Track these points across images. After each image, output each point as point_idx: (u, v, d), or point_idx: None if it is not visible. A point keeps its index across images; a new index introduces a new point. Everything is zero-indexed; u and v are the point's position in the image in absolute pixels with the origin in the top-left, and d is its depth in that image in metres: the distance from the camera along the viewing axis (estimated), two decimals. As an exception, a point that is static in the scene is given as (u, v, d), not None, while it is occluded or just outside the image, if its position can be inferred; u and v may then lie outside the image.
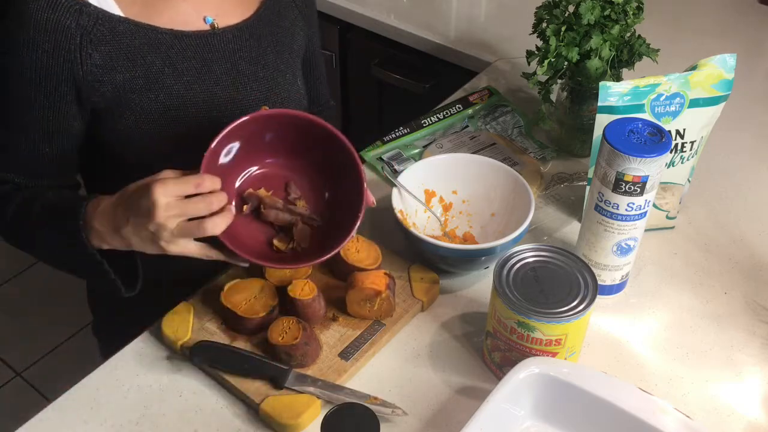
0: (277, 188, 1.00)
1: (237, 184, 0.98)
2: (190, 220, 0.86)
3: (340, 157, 0.97)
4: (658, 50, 1.19)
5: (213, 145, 0.89)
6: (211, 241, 0.89)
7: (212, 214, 0.86)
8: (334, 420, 0.73)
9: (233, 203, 0.90)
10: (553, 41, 1.17)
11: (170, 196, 0.84)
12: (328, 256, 0.93)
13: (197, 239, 0.89)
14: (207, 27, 1.04)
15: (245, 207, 0.97)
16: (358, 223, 0.94)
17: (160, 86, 1.00)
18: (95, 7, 0.95)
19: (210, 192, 0.87)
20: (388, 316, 1.00)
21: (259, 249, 0.97)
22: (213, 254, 0.91)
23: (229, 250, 0.89)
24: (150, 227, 0.85)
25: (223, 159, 0.94)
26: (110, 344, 1.03)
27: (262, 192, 0.98)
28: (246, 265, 0.96)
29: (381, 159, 1.28)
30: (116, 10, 0.97)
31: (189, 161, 1.04)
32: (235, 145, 0.94)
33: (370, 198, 0.98)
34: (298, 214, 0.99)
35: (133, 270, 0.99)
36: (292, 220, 0.99)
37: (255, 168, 0.99)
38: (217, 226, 0.86)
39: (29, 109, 0.98)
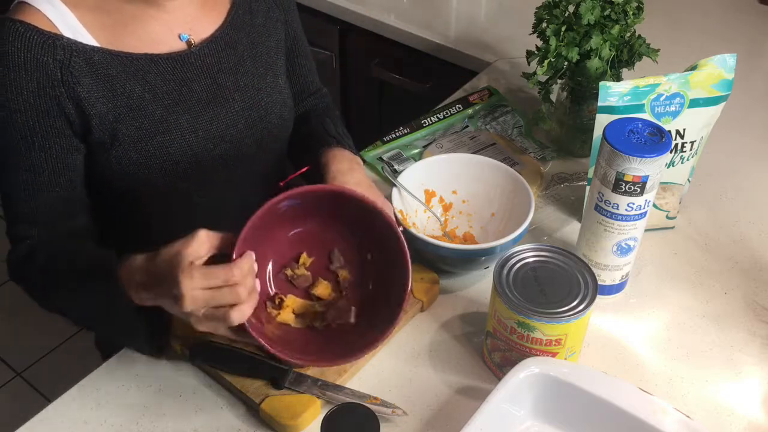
0: (319, 254, 0.97)
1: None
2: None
3: (376, 222, 0.92)
4: (658, 50, 1.19)
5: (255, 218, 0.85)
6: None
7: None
8: (334, 420, 0.73)
9: (258, 284, 0.86)
10: (553, 41, 1.17)
11: (197, 288, 0.82)
12: (362, 352, 0.89)
13: None
14: (182, 44, 1.02)
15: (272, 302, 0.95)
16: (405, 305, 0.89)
17: (142, 113, 0.98)
18: (68, 39, 0.93)
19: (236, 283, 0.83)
20: (388, 316, 1.00)
21: (283, 333, 0.93)
22: (239, 340, 0.89)
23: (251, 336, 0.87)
24: (178, 312, 0.84)
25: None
26: (110, 345, 1.03)
27: (302, 258, 0.96)
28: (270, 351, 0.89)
29: (381, 159, 1.28)
30: (89, 39, 0.95)
31: (180, 185, 1.03)
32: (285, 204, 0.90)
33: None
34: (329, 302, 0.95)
35: (161, 328, 0.97)
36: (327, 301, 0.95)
37: (297, 230, 0.96)
38: (243, 314, 0.83)
39: (31, 152, 0.95)
